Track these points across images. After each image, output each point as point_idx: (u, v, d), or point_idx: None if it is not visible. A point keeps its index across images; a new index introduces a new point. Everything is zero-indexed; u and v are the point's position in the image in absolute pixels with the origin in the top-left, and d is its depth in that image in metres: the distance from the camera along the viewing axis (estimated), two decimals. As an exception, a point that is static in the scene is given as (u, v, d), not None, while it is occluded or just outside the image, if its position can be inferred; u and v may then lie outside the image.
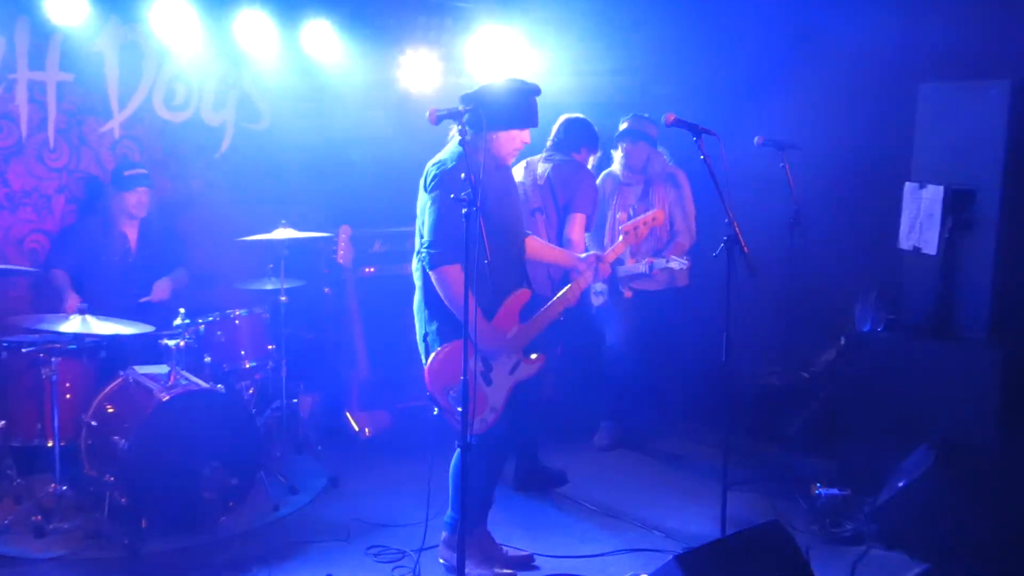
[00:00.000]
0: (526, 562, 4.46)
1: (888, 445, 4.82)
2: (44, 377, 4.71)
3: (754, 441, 5.86)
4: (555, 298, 4.32)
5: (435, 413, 4.10)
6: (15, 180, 5.63)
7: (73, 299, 5.21)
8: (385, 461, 5.75)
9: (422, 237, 4.13)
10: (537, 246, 4.51)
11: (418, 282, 4.23)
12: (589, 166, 5.62)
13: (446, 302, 4.05)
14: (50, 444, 4.76)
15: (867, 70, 5.96)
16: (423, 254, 4.08)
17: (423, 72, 6.87)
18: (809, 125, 5.92)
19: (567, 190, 5.29)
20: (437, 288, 4.06)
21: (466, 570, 3.81)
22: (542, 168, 5.39)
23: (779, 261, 5.23)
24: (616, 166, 6.02)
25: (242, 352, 5.51)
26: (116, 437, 4.58)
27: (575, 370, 6.57)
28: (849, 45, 5.99)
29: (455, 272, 3.97)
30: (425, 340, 4.20)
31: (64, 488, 4.68)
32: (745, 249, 4.13)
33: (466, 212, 3.60)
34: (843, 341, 5.68)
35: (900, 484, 4.45)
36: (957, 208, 4.78)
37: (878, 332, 5.12)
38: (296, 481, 5.33)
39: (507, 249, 4.22)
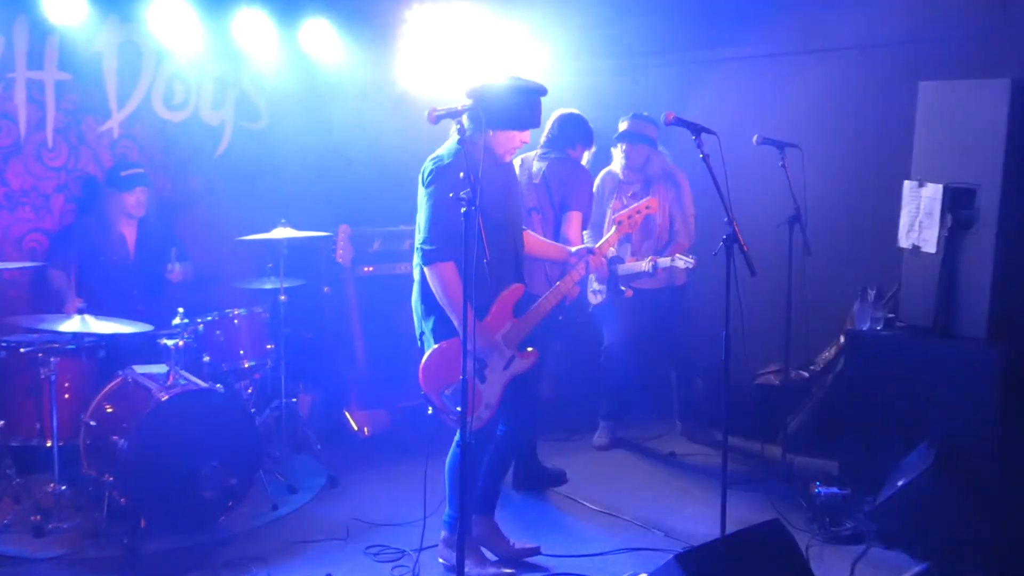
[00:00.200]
0: (531, 553, 4.47)
1: (888, 444, 4.82)
2: (43, 377, 4.71)
3: (753, 440, 5.86)
4: (549, 292, 4.32)
5: (429, 412, 4.10)
6: (14, 179, 5.62)
7: (74, 303, 5.20)
8: (384, 460, 5.75)
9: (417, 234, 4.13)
10: (531, 241, 4.50)
11: (416, 278, 4.23)
12: (584, 162, 5.59)
13: (439, 299, 4.05)
14: (49, 444, 4.75)
15: (867, 68, 5.96)
16: (419, 250, 4.08)
17: (421, 71, 6.86)
18: (808, 124, 5.92)
19: (563, 188, 5.28)
20: (431, 285, 4.06)
21: (465, 569, 3.81)
22: (537, 167, 5.36)
23: (778, 260, 5.23)
24: (616, 165, 6.01)
25: (241, 351, 5.50)
26: (115, 437, 4.57)
27: (574, 370, 6.57)
28: (849, 43, 5.99)
29: (449, 269, 3.98)
30: (421, 338, 4.21)
31: (63, 488, 4.68)
32: (744, 248, 4.13)
33: (465, 211, 3.60)
34: (842, 340, 5.68)
35: (900, 483, 4.45)
36: (957, 206, 4.77)
37: (877, 331, 5.11)
38: (295, 480, 5.33)
39: (506, 246, 4.21)
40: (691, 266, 5.35)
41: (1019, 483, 4.39)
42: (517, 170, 5.36)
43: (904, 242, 5.07)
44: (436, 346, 4.10)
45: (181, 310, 5.14)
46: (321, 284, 6.38)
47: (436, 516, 4.48)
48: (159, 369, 4.91)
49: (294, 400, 5.87)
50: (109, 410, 4.77)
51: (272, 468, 5.30)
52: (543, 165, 5.34)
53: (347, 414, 6.05)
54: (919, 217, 4.95)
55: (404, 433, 5.96)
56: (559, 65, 6.72)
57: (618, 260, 5.66)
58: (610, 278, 5.79)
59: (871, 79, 5.94)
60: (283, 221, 5.60)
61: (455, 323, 3.99)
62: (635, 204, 4.61)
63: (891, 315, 5.21)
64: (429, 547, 4.46)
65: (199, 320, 5.32)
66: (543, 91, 4.17)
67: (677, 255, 5.46)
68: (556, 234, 5.28)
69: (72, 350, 4.88)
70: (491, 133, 4.11)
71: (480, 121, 3.96)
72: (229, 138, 6.46)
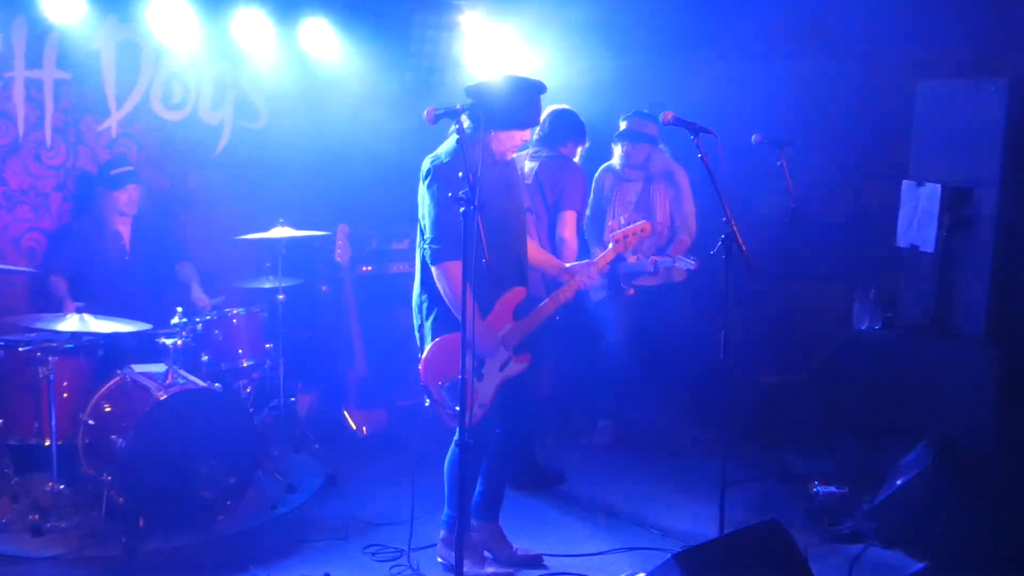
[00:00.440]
0: (534, 562, 4.46)
1: (886, 443, 4.82)
2: (41, 376, 4.70)
3: (752, 439, 5.85)
4: (547, 300, 4.32)
5: (427, 404, 4.11)
6: (12, 179, 5.62)
7: (71, 308, 5.19)
8: (383, 460, 5.74)
9: (423, 231, 4.12)
10: (529, 249, 4.48)
11: (417, 273, 4.23)
12: (577, 158, 5.55)
13: (445, 298, 4.05)
14: (47, 443, 4.74)
15: (865, 68, 5.97)
16: (425, 248, 4.08)
17: (420, 70, 6.86)
18: (807, 123, 5.92)
19: (556, 188, 5.26)
20: (437, 283, 4.06)
21: (464, 569, 3.81)
22: (529, 166, 5.33)
23: (777, 259, 5.24)
24: (615, 161, 6.00)
25: (240, 351, 5.50)
26: (114, 436, 4.57)
27: (573, 368, 6.57)
28: (847, 43, 6.00)
29: (456, 268, 3.97)
30: (420, 331, 4.20)
31: (61, 487, 4.68)
32: (743, 247, 4.13)
33: (463, 211, 3.60)
34: (841, 339, 5.68)
35: (898, 482, 4.46)
36: (955, 206, 4.78)
37: (876, 330, 5.12)
38: (294, 480, 5.32)
39: (507, 246, 4.21)
40: (693, 267, 5.33)
41: (1017, 482, 4.39)
42: None
43: (902, 241, 5.08)
44: (439, 339, 4.09)
45: (180, 309, 5.14)
46: (320, 283, 6.38)
47: (424, 516, 4.47)
48: (158, 368, 4.91)
49: (293, 399, 5.87)
50: (108, 409, 4.76)
51: (271, 467, 5.29)
52: (535, 165, 5.32)
53: (345, 413, 6.05)
54: (917, 216, 4.96)
55: (403, 432, 5.96)
56: (557, 64, 6.71)
57: (621, 258, 5.65)
58: (611, 276, 5.79)
59: (870, 79, 5.94)
60: (281, 220, 5.60)
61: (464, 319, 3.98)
62: (631, 226, 4.61)
63: (889, 314, 5.22)
64: (428, 547, 4.46)
65: (198, 319, 5.32)
66: (542, 88, 4.17)
67: (678, 256, 5.44)
68: (551, 235, 5.27)
69: (71, 349, 4.87)
70: (492, 134, 4.10)
71: (480, 120, 3.96)
72: (228, 137, 6.45)
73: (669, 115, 4.20)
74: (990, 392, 4.62)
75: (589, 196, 5.85)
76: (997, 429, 4.61)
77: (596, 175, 6.07)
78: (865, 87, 5.97)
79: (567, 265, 4.54)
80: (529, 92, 4.13)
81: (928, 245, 4.89)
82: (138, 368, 4.96)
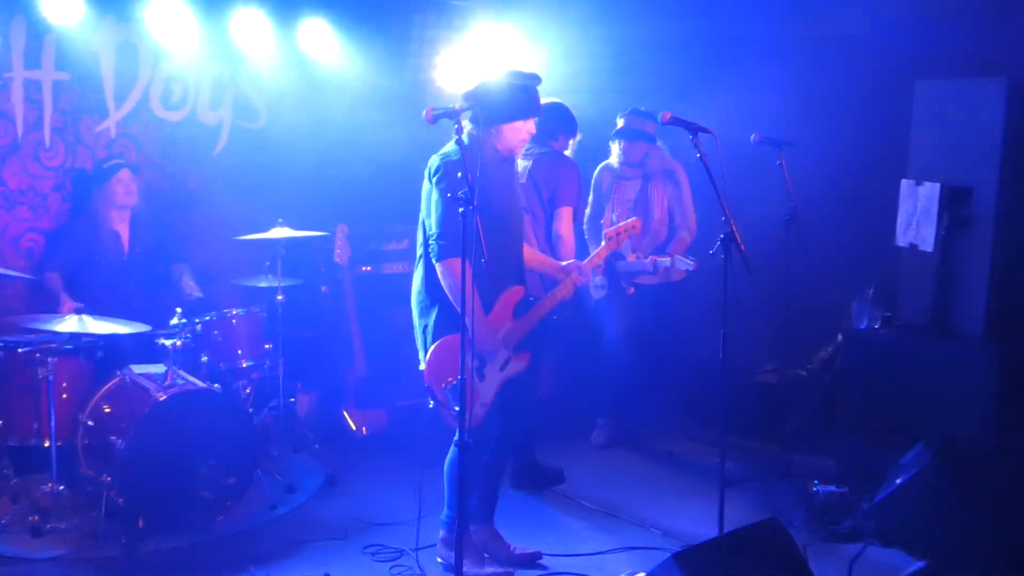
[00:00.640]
0: (532, 560, 4.46)
1: (885, 442, 4.83)
2: (41, 377, 4.70)
3: (751, 439, 5.86)
4: (544, 298, 4.32)
5: (431, 406, 4.10)
6: (11, 179, 5.62)
7: (67, 304, 5.20)
8: (383, 460, 5.75)
9: (428, 228, 4.12)
10: (524, 254, 4.48)
11: (419, 272, 4.22)
12: (569, 151, 5.53)
13: (449, 294, 4.05)
14: (47, 444, 4.74)
15: (864, 67, 5.96)
16: (432, 245, 4.07)
17: (420, 70, 6.86)
18: (806, 122, 5.92)
19: (550, 184, 5.26)
20: (441, 280, 4.06)
21: (464, 569, 3.81)
22: (522, 165, 5.29)
23: (776, 258, 5.24)
24: (613, 159, 6.00)
25: (239, 351, 5.49)
26: (113, 437, 4.57)
27: (572, 368, 6.57)
28: (846, 42, 6.00)
29: (461, 265, 3.97)
30: (424, 331, 4.20)
31: (61, 488, 4.68)
32: (742, 247, 4.13)
33: (463, 211, 3.60)
34: (840, 338, 5.69)
35: (897, 481, 4.46)
36: (954, 205, 4.78)
37: (875, 329, 5.12)
38: (293, 480, 5.32)
39: (508, 246, 4.22)
40: (692, 268, 5.33)
41: (1016, 481, 4.39)
42: None
43: (901, 241, 5.08)
44: (443, 339, 4.09)
45: (179, 310, 5.14)
46: (319, 284, 6.38)
47: (429, 515, 4.48)
48: (157, 369, 4.90)
49: (292, 400, 5.86)
50: (107, 410, 4.76)
51: (270, 468, 5.30)
52: (528, 163, 5.31)
53: (345, 413, 6.05)
54: (916, 216, 4.96)
55: (402, 432, 5.96)
56: (557, 63, 6.71)
57: (619, 257, 5.65)
58: (611, 275, 5.79)
59: (868, 78, 5.94)
60: (281, 221, 5.60)
61: (466, 318, 3.98)
62: (622, 223, 4.61)
63: (888, 314, 5.22)
64: (427, 547, 4.46)
65: (197, 320, 5.31)
66: (537, 79, 4.18)
67: (677, 256, 5.44)
68: (548, 233, 5.26)
69: (70, 350, 4.87)
70: (496, 130, 4.10)
71: (480, 120, 3.96)
72: (227, 138, 6.45)
73: (668, 115, 4.20)
74: (989, 391, 4.62)
75: (586, 192, 5.84)
76: (996, 428, 4.61)
77: (595, 174, 6.07)
78: (864, 86, 5.97)
79: (562, 264, 4.54)
80: (524, 84, 4.14)
81: (927, 244, 4.90)
82: (137, 369, 4.96)
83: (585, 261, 4.51)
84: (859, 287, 5.26)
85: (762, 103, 6.20)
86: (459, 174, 3.71)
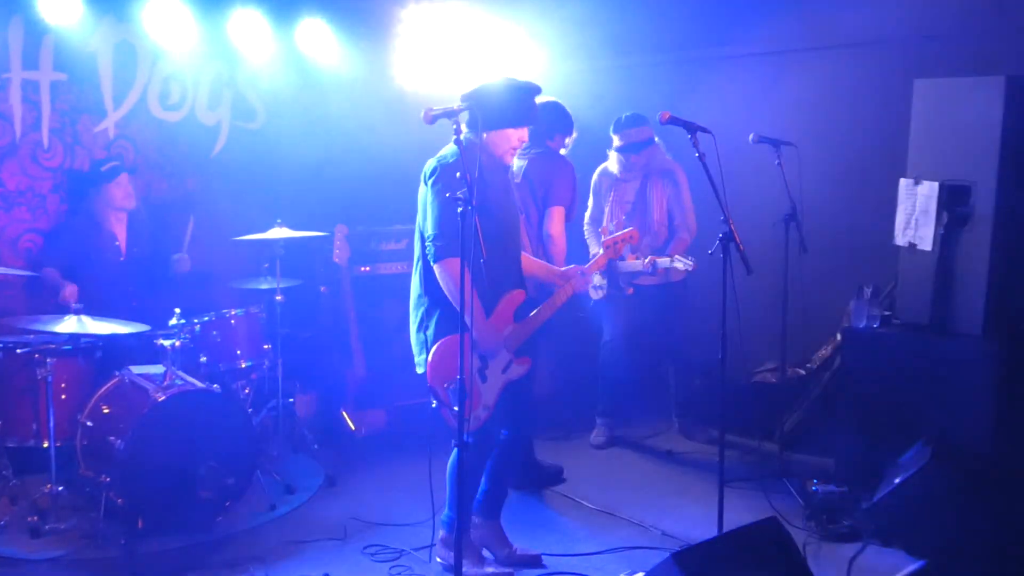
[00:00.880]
0: (533, 562, 4.46)
1: (884, 441, 4.83)
2: (39, 378, 4.70)
3: (751, 438, 5.86)
4: (545, 303, 4.32)
5: (433, 406, 4.10)
6: (9, 179, 5.61)
7: (70, 288, 5.20)
8: (382, 460, 5.75)
9: (425, 231, 4.12)
10: (523, 261, 4.46)
11: (417, 274, 4.22)
12: (566, 150, 5.50)
13: (449, 295, 4.04)
14: (46, 445, 4.74)
15: (862, 66, 5.96)
16: (429, 247, 4.07)
17: (418, 70, 6.86)
18: (804, 122, 5.92)
19: (544, 183, 5.26)
20: (440, 281, 4.05)
21: (463, 569, 3.81)
22: (517, 165, 5.29)
23: (775, 258, 5.24)
24: (612, 164, 5.99)
25: (238, 351, 5.50)
26: (112, 437, 4.57)
27: (570, 368, 6.57)
28: (844, 41, 6.00)
29: (459, 266, 3.97)
30: (424, 332, 4.19)
31: (60, 488, 4.68)
32: (741, 247, 4.13)
33: (461, 212, 3.60)
34: (839, 337, 5.68)
35: (897, 480, 4.46)
36: (952, 204, 4.78)
37: (874, 328, 5.12)
38: (293, 480, 5.32)
39: (506, 249, 4.22)
40: (691, 268, 5.33)
41: (1016, 479, 4.39)
42: None
43: (900, 239, 5.08)
44: (445, 339, 4.09)
45: (178, 310, 5.14)
46: (318, 284, 6.38)
47: (429, 516, 4.47)
48: (156, 369, 4.91)
49: (291, 400, 5.87)
50: (106, 411, 4.76)
51: (269, 468, 5.30)
52: (523, 163, 5.31)
53: (344, 414, 6.05)
54: (915, 214, 4.96)
55: (401, 432, 5.96)
56: (555, 63, 6.71)
57: (619, 257, 5.64)
58: (611, 275, 5.79)
59: (867, 77, 5.94)
60: (279, 221, 5.60)
61: (466, 318, 3.98)
62: (619, 233, 4.62)
63: (887, 312, 5.22)
64: (427, 547, 4.46)
65: (196, 320, 5.31)
66: (536, 89, 4.17)
67: (676, 256, 5.43)
68: (539, 232, 5.26)
69: (69, 351, 4.87)
70: (487, 135, 4.11)
71: (476, 123, 3.97)
72: (225, 138, 6.45)
73: (667, 114, 4.19)
74: (988, 389, 4.62)
75: (580, 193, 5.82)
76: (995, 426, 4.61)
77: (594, 178, 6.07)
78: (862, 85, 5.97)
79: (562, 270, 4.53)
80: (521, 93, 4.13)
81: (926, 243, 4.90)
82: (136, 369, 4.96)
83: (584, 268, 4.49)
84: (858, 286, 5.26)
85: (760, 102, 6.20)
86: (457, 174, 3.71)
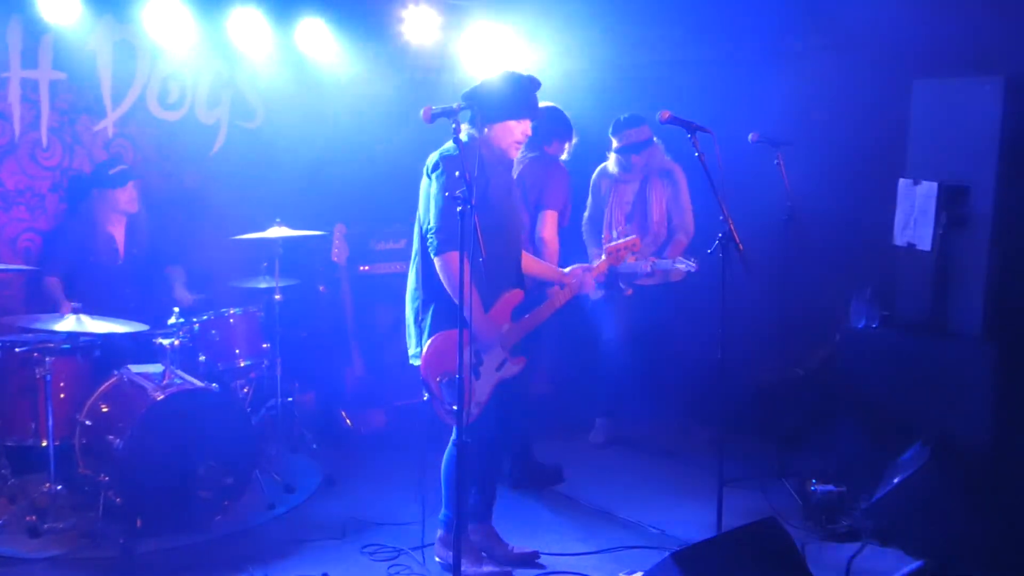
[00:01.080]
0: (530, 559, 4.46)
1: (883, 441, 4.83)
2: (38, 376, 4.70)
3: (749, 438, 5.85)
4: (545, 303, 4.32)
5: (424, 399, 4.10)
6: (8, 179, 5.61)
7: (67, 308, 5.19)
8: (380, 459, 5.75)
9: (425, 223, 4.11)
10: (526, 261, 4.47)
11: (415, 267, 4.22)
12: (565, 155, 5.49)
13: (448, 289, 4.04)
14: (44, 444, 4.73)
15: (861, 66, 5.96)
16: (430, 239, 4.06)
17: (417, 70, 6.85)
18: (803, 122, 5.92)
19: (537, 187, 5.25)
20: (440, 274, 4.05)
21: (462, 568, 3.81)
22: (514, 169, 5.31)
23: (774, 258, 5.24)
24: (611, 165, 5.99)
25: (237, 351, 5.49)
26: (110, 436, 4.57)
27: (570, 367, 6.57)
28: (844, 41, 5.99)
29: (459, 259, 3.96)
30: (419, 324, 4.19)
31: (59, 488, 4.67)
32: (740, 246, 4.13)
33: (461, 210, 3.60)
34: (838, 337, 5.68)
35: (895, 480, 4.46)
36: (951, 204, 4.78)
37: (873, 328, 5.12)
38: (291, 480, 5.32)
39: (505, 247, 4.21)
40: (693, 269, 5.32)
41: (1014, 479, 4.40)
42: None
43: (899, 240, 5.08)
44: (441, 332, 4.08)
45: (177, 310, 5.14)
46: (317, 283, 6.38)
47: (429, 515, 4.47)
48: (155, 369, 4.90)
49: (290, 399, 5.86)
50: (104, 410, 4.76)
51: (268, 467, 5.29)
52: (519, 168, 5.30)
53: (343, 413, 6.05)
54: (914, 215, 4.96)
55: (400, 432, 5.95)
56: (557, 63, 6.71)
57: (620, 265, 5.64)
58: (610, 276, 5.78)
59: (866, 77, 5.94)
60: (278, 220, 5.59)
61: (464, 311, 3.97)
62: (622, 240, 4.58)
63: (886, 313, 5.22)
64: (427, 546, 4.46)
65: (195, 319, 5.31)
66: (536, 83, 4.17)
67: (678, 258, 5.42)
68: (531, 236, 5.25)
69: (67, 350, 4.87)
70: (487, 129, 4.10)
71: (477, 119, 3.96)
72: (224, 137, 6.45)
73: (666, 113, 4.19)
74: (987, 389, 4.62)
75: (574, 197, 5.82)
76: (994, 426, 4.61)
77: (593, 177, 6.07)
78: (861, 85, 5.96)
79: (566, 270, 4.53)
80: (521, 85, 4.13)
81: (925, 243, 4.90)
82: (135, 368, 4.96)
83: (592, 270, 4.48)
84: (857, 286, 5.26)
85: (760, 102, 6.20)
86: (456, 172, 3.71)
